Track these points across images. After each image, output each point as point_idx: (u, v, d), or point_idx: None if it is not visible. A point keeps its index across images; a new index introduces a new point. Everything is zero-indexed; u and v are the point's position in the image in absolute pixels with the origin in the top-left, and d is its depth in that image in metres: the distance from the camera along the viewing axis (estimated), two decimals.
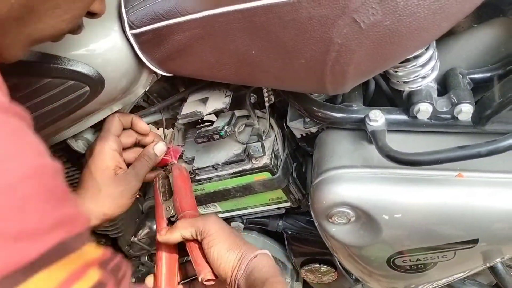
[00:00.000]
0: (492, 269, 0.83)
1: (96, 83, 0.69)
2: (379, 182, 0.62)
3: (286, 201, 0.87)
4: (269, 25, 0.52)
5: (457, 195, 0.61)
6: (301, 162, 0.92)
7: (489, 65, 0.65)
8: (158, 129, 0.97)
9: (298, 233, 0.95)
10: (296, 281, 1.08)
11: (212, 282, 0.70)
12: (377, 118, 0.62)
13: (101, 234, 1.24)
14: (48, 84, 0.66)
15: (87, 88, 0.69)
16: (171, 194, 0.80)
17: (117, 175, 0.72)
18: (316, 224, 0.69)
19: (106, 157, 0.71)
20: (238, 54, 0.60)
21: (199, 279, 0.70)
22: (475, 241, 0.63)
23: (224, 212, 0.92)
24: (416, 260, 0.67)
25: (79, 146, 0.82)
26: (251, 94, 0.82)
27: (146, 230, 1.07)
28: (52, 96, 0.68)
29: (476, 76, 0.65)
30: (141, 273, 1.12)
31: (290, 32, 0.51)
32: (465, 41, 0.64)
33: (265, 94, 0.79)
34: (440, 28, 0.50)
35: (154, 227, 1.04)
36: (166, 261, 0.75)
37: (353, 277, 1.07)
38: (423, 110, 0.62)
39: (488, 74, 0.64)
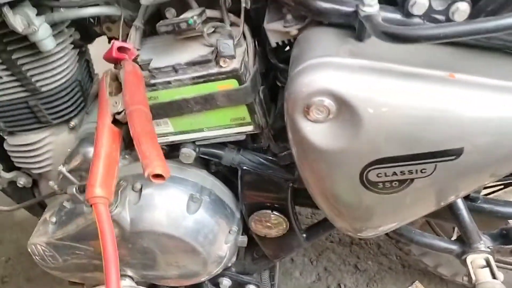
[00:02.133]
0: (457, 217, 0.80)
1: None
2: (368, 73, 0.56)
3: (248, 124, 0.78)
4: None
5: (447, 95, 0.56)
6: (268, 89, 0.84)
7: None
8: (109, 30, 0.85)
9: (254, 170, 0.86)
10: (242, 235, 0.98)
11: (162, 180, 0.59)
12: (372, 3, 0.56)
13: (22, 171, 1.08)
14: None
15: None
16: (119, 92, 0.69)
17: None
18: (287, 124, 0.61)
19: None
20: None
21: (145, 175, 0.59)
22: (459, 152, 0.58)
23: (176, 134, 0.81)
24: (392, 174, 0.61)
25: (16, 21, 0.69)
26: None
27: (79, 159, 0.93)
28: None
29: None
30: (65, 212, 0.96)
31: None
32: None
33: None
34: None
35: (89, 154, 0.90)
36: (105, 160, 0.64)
37: (304, 234, 1.00)
38: (420, 2, 0.57)
39: None
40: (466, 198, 0.88)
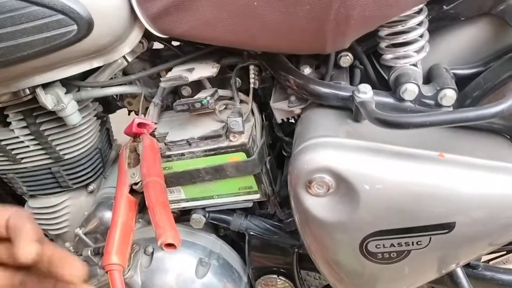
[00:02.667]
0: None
1: (84, 24, 0.66)
2: (363, 152, 0.61)
3: (255, 192, 0.83)
4: None
5: (437, 173, 0.61)
6: (274, 158, 0.90)
7: (471, 63, 0.69)
8: (130, 104, 0.93)
9: (261, 235, 0.90)
10: None
11: (174, 249, 0.64)
12: (366, 90, 0.63)
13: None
14: (34, 12, 0.63)
15: (75, 27, 0.66)
16: (137, 164, 0.75)
17: None
18: (291, 195, 0.66)
19: None
20: (239, 6, 0.60)
21: (158, 244, 0.63)
22: (452, 226, 0.62)
23: (187, 200, 0.86)
24: (390, 246, 0.65)
25: (47, 100, 0.77)
26: (236, 79, 0.82)
27: (95, 223, 0.98)
28: (36, 27, 0.64)
29: (458, 71, 0.69)
30: None
31: None
32: (450, 38, 0.68)
33: (251, 75, 0.79)
34: None
35: (106, 218, 0.96)
36: (121, 228, 0.69)
37: None
38: (410, 89, 0.64)
39: (470, 71, 0.68)
40: (467, 265, 0.90)
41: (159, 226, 0.64)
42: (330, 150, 0.62)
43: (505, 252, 1.07)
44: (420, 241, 0.64)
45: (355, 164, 0.61)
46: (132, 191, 0.74)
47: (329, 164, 0.61)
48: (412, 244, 0.65)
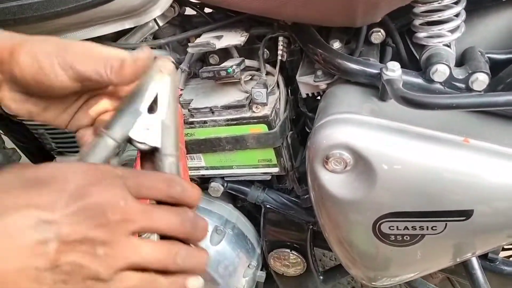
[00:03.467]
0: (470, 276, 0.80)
1: None
2: (385, 131, 0.60)
3: (274, 166, 0.83)
4: None
5: (460, 159, 0.59)
6: (297, 133, 0.90)
7: (509, 48, 0.65)
8: None
9: (277, 209, 0.91)
10: (260, 270, 1.01)
11: None
12: (395, 68, 0.61)
13: None
14: None
15: None
16: None
17: None
18: (308, 170, 0.66)
19: None
20: None
21: None
22: (470, 214, 0.60)
23: (207, 168, 0.87)
24: (404, 229, 0.64)
25: None
26: (264, 49, 0.81)
27: None
28: None
29: (494, 56, 0.66)
30: None
31: None
32: (489, 20, 0.65)
33: (280, 46, 0.78)
34: None
35: None
36: None
37: (321, 277, 1.02)
38: (441, 71, 0.61)
39: (507, 56, 0.65)
40: (484, 258, 0.88)
41: None
42: (350, 127, 0.61)
43: None
44: (435, 227, 0.63)
45: (374, 142, 0.60)
46: None
47: (348, 140, 0.60)
48: (427, 228, 0.63)
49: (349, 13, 0.57)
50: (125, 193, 0.36)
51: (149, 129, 0.42)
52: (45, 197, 0.33)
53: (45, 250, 0.31)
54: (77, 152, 1.01)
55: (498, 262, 0.87)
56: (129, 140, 0.42)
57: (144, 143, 0.42)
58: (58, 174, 0.35)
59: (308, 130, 0.90)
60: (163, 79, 0.43)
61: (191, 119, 0.80)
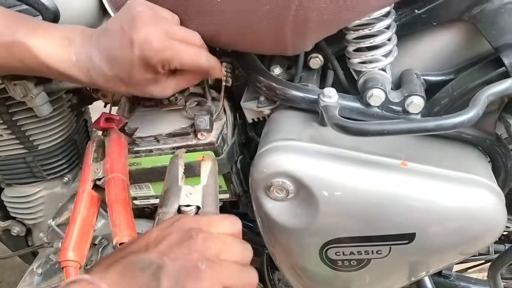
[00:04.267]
0: None
1: (50, 15, 0.65)
2: (324, 158, 0.60)
3: (225, 192, 0.82)
4: None
5: (398, 183, 0.59)
6: (247, 158, 0.89)
7: (444, 69, 0.67)
8: (105, 96, 0.92)
9: None
10: None
11: None
12: (331, 94, 0.61)
13: (17, 220, 1.12)
14: None
15: (40, 17, 0.65)
16: (103, 158, 0.74)
17: None
18: (252, 198, 0.65)
19: None
20: (203, 3, 0.59)
21: (113, 243, 0.63)
22: (412, 237, 0.60)
23: (156, 197, 0.85)
24: (350, 254, 0.64)
25: (15, 90, 0.76)
26: None
27: (68, 214, 0.97)
28: None
29: (430, 78, 0.67)
30: (51, 265, 1.00)
31: None
32: (423, 43, 0.66)
33: (223, 72, 0.77)
34: None
35: None
36: (81, 224, 0.68)
37: None
38: (376, 95, 0.62)
39: (442, 78, 0.66)
40: (439, 274, 0.89)
41: (116, 224, 0.63)
42: (290, 154, 0.60)
43: (483, 261, 1.06)
44: (380, 251, 0.63)
45: (314, 169, 0.60)
46: (96, 187, 0.73)
47: (288, 168, 0.60)
48: (372, 253, 0.63)
49: (279, 42, 0.57)
50: None
51: None
52: None
53: None
54: (26, 183, 0.97)
55: (452, 278, 0.88)
56: None
57: None
58: None
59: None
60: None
61: (136, 148, 0.78)
